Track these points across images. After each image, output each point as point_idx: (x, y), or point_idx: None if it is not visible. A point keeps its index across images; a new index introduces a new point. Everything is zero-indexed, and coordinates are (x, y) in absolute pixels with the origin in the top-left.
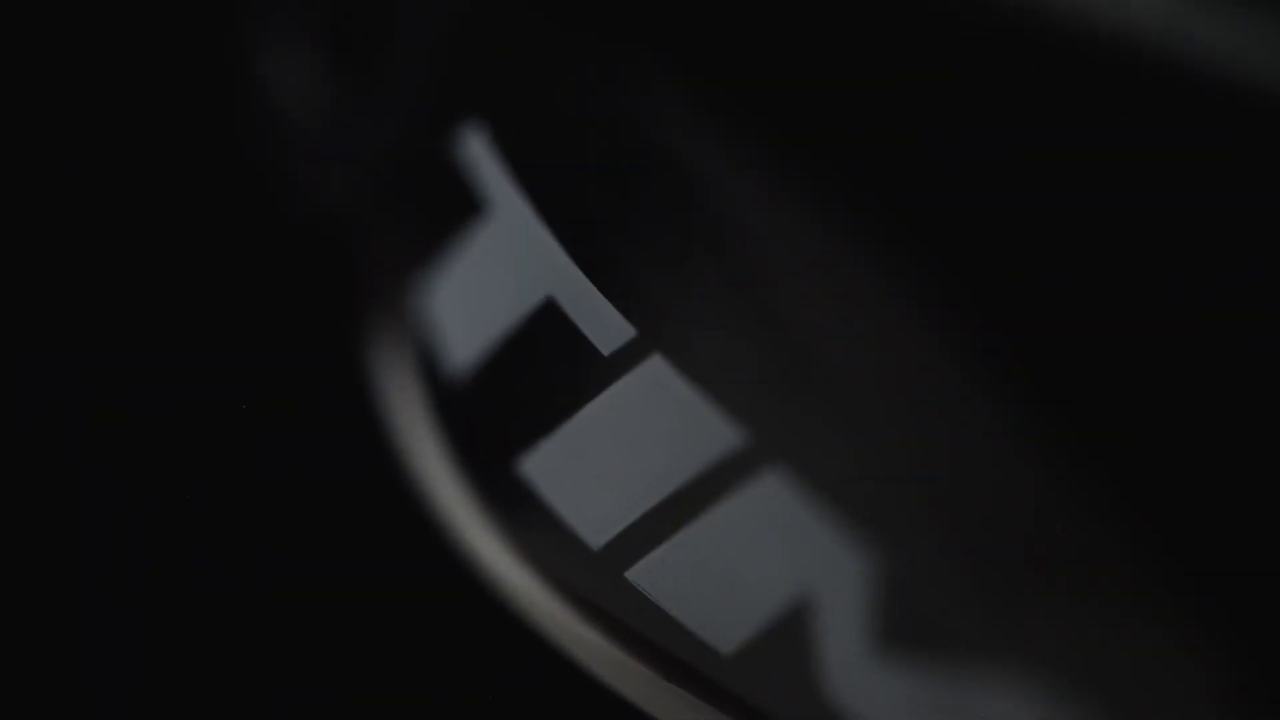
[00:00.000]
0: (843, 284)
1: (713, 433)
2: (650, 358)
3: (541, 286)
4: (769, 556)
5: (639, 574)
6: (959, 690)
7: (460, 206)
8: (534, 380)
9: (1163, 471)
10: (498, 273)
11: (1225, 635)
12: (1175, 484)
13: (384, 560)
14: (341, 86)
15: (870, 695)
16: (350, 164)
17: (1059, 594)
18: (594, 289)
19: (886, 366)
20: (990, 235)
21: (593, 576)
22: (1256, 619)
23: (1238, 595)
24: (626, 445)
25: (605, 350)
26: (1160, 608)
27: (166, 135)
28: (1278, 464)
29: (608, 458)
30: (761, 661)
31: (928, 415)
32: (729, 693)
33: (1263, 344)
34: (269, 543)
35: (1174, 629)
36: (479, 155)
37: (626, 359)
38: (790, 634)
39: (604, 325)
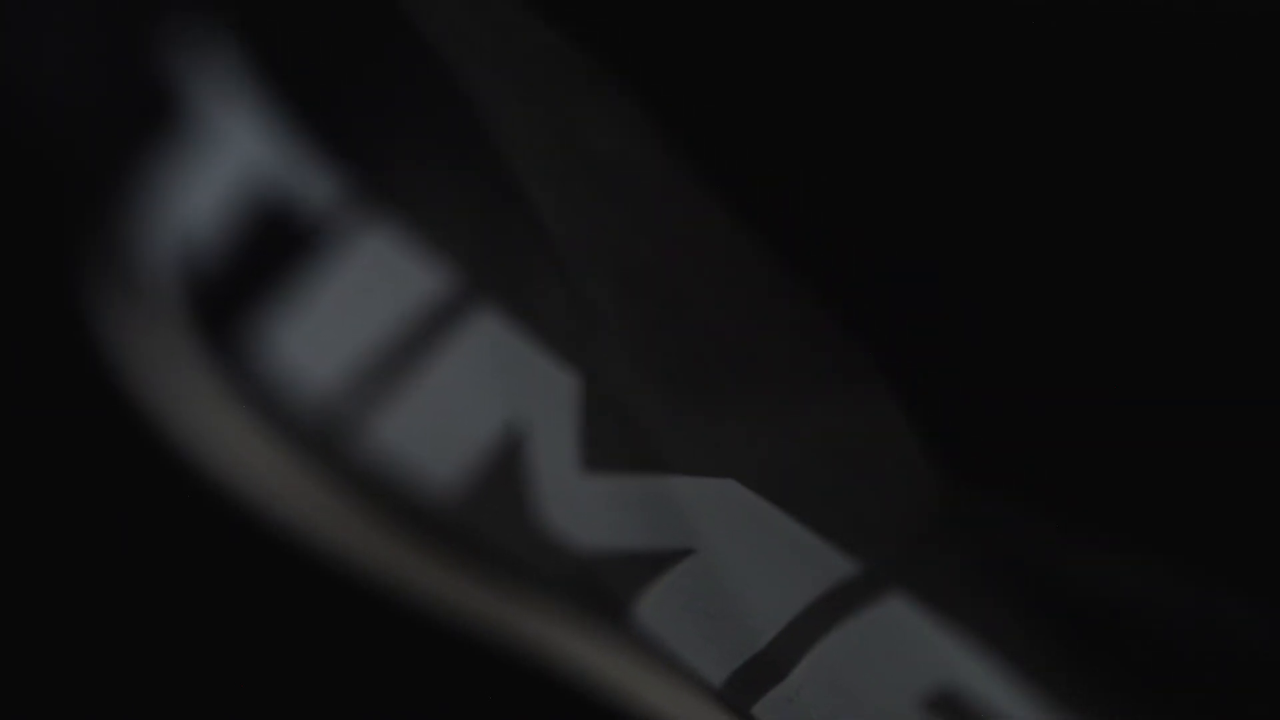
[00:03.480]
0: (553, 119)
1: (428, 279)
2: (370, 211)
3: (260, 160)
4: (485, 391)
5: (365, 426)
6: (664, 494)
7: (176, 98)
8: (260, 252)
9: (848, 278)
10: (218, 152)
11: (910, 418)
12: (859, 291)
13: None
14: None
15: (581, 511)
16: (64, 71)
17: (755, 394)
18: (313, 152)
19: (593, 195)
20: (678, 56)
21: (320, 442)
22: (936, 403)
23: (920, 384)
24: (350, 303)
25: (326, 211)
26: (852, 400)
27: None
28: (957, 258)
29: (333, 318)
30: (481, 496)
31: (631, 238)
32: (454, 531)
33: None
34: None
35: (866, 417)
36: (193, 37)
37: (348, 216)
38: (506, 464)
39: (324, 185)
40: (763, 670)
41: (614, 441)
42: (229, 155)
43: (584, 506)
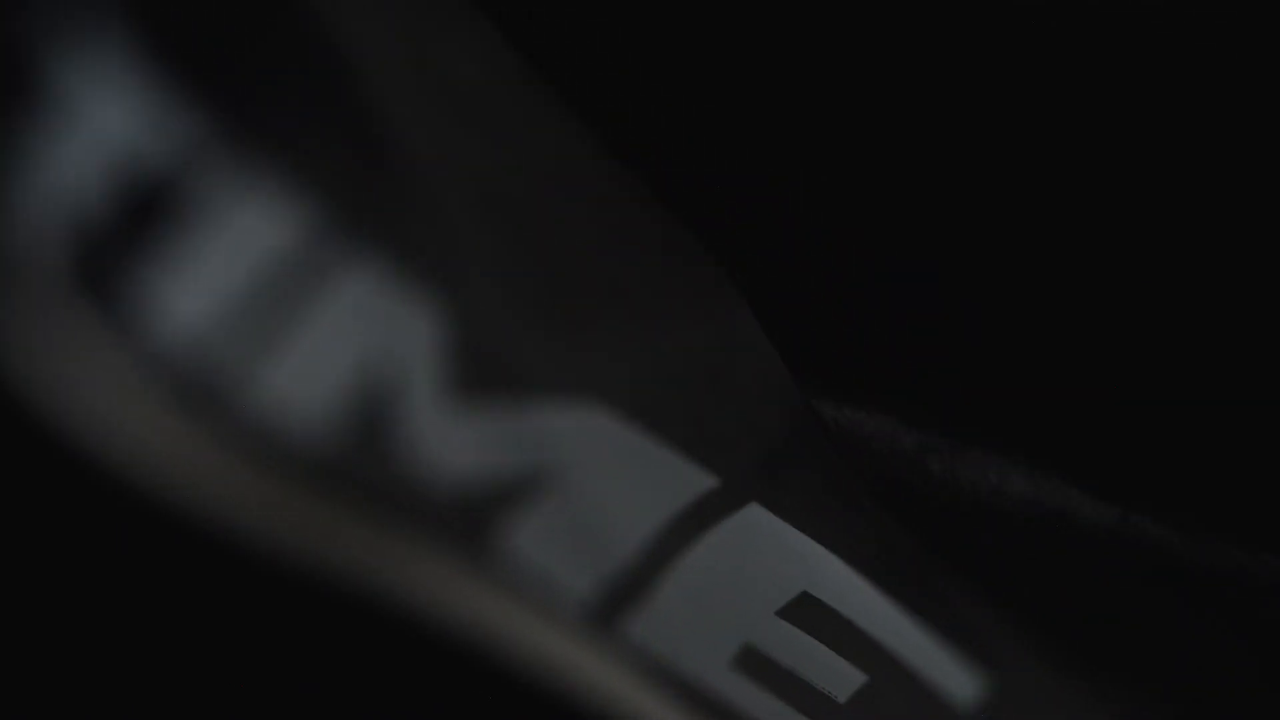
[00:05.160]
0: (412, 47)
1: (292, 220)
2: (234, 155)
3: (122, 116)
4: (346, 335)
5: (242, 377)
6: (529, 422)
7: (32, 61)
8: (131, 212)
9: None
10: (80, 114)
11: (769, 334)
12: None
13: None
14: None
15: (447, 449)
16: None
17: (616, 315)
18: (175, 97)
19: (453, 123)
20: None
21: (201, 397)
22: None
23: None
24: (216, 251)
25: (192, 161)
26: (711, 318)
27: None
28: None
29: (200, 267)
30: (346, 440)
31: (492, 165)
32: (329, 478)
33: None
34: None
35: (725, 335)
36: None
37: (213, 163)
38: (376, 402)
39: (187, 132)
40: (629, 587)
41: (479, 372)
42: (91, 117)
43: (451, 440)
